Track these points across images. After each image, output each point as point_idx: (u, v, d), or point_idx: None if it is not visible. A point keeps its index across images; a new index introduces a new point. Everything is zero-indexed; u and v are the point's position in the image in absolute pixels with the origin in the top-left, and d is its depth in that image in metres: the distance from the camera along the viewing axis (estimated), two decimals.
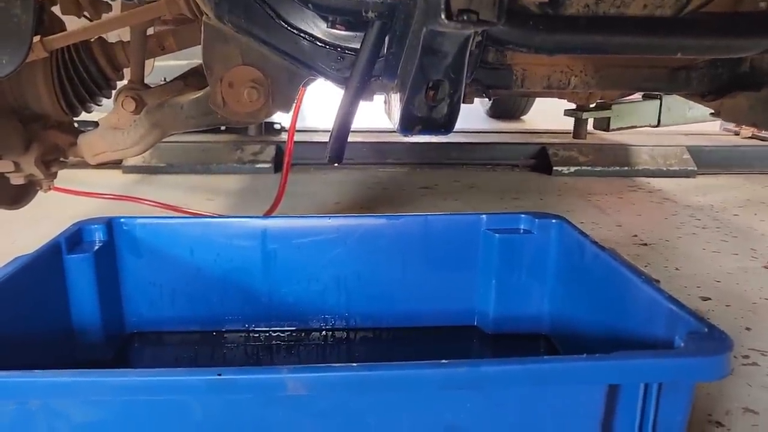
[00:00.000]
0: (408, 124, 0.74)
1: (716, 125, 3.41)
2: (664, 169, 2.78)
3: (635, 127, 2.63)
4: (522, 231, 1.09)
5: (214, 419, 0.61)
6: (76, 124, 1.35)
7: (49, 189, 1.29)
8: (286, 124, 2.99)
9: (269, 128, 3.01)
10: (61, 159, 1.26)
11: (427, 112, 0.71)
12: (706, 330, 0.66)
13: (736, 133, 3.43)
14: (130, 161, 2.58)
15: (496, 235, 1.08)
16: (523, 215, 1.09)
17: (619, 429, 0.65)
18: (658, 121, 2.59)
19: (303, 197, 2.23)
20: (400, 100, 0.73)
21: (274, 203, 1.74)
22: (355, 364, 0.60)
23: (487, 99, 3.04)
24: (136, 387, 0.58)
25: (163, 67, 2.29)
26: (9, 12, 0.65)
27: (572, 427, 0.65)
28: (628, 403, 0.64)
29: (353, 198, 2.31)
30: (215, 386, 0.58)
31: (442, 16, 0.54)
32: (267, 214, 1.68)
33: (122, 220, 1.06)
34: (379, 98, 1.13)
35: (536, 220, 1.08)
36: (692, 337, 0.66)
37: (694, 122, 2.68)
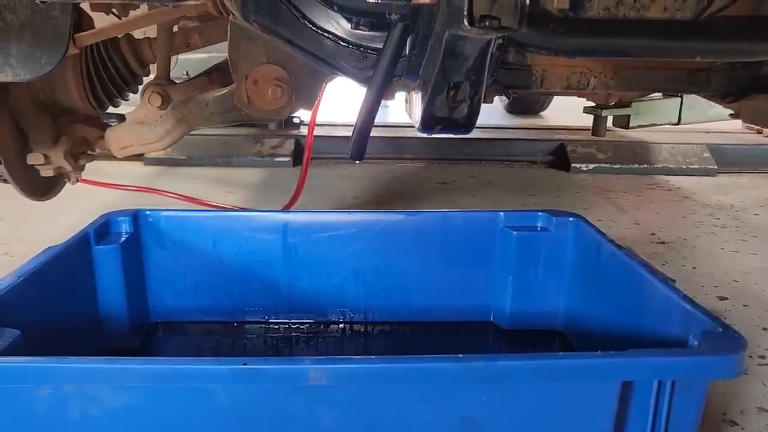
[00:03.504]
0: (429, 123, 0.75)
1: (738, 123, 3.37)
2: (684, 167, 2.77)
3: (655, 125, 2.61)
4: (539, 228, 1.10)
5: (238, 406, 0.64)
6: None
7: (77, 181, 1.33)
8: (305, 118, 3.02)
9: (289, 122, 3.03)
10: (89, 152, 1.30)
11: (448, 113, 0.73)
12: (720, 329, 0.68)
13: (759, 132, 3.39)
14: (152, 153, 2.62)
15: (514, 232, 1.09)
16: (540, 213, 1.11)
17: (632, 426, 0.66)
18: (679, 119, 2.57)
19: (321, 191, 2.25)
20: (422, 100, 0.75)
21: (293, 197, 1.76)
22: (374, 357, 0.62)
23: (506, 98, 3.02)
24: (166, 374, 0.61)
25: (185, 61, 2.33)
26: (49, 14, 0.68)
27: (586, 423, 0.67)
28: (641, 400, 0.65)
29: (371, 193, 2.33)
30: (240, 375, 0.60)
31: (465, 22, 0.55)
32: (286, 208, 1.71)
33: (148, 212, 1.09)
34: (399, 95, 1.15)
35: (553, 218, 1.09)
36: (706, 336, 0.67)
37: (715, 120, 2.65)
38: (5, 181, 1.22)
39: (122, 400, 0.62)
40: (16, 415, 0.62)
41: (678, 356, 0.65)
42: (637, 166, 2.76)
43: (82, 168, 1.30)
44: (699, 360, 0.64)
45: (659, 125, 2.64)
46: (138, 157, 2.65)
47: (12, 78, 0.72)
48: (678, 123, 2.59)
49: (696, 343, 0.67)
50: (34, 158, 1.19)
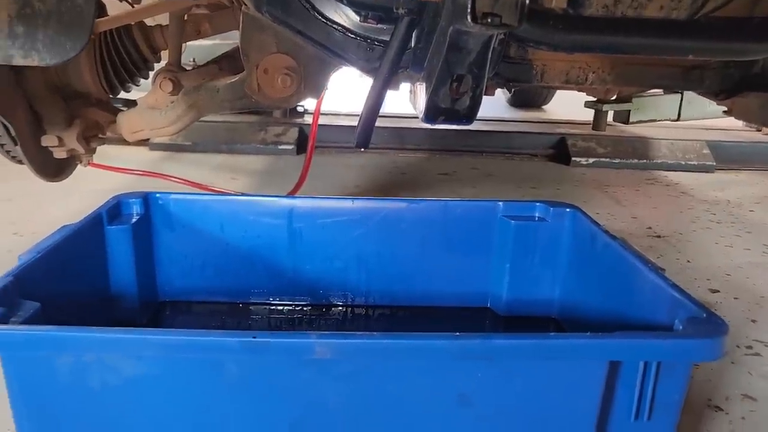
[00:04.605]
0: (432, 114, 0.79)
1: (738, 120, 3.40)
2: (683, 163, 2.79)
3: (655, 120, 2.64)
4: (537, 218, 1.13)
5: (247, 377, 0.67)
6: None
7: (89, 163, 1.36)
8: (310, 106, 3.04)
9: (293, 110, 3.05)
10: (100, 135, 1.33)
11: (451, 104, 0.76)
12: (704, 315, 0.71)
13: (758, 129, 3.41)
14: (157, 139, 2.64)
15: (512, 221, 1.12)
16: (538, 203, 1.14)
17: (618, 404, 0.70)
18: (679, 115, 2.60)
19: (324, 179, 2.28)
20: (426, 92, 0.78)
21: (297, 184, 1.79)
22: (376, 333, 0.66)
23: (506, 90, 3.05)
24: (180, 345, 0.64)
25: (192, 47, 2.36)
26: (74, 2, 0.71)
27: (574, 401, 0.70)
28: (627, 380, 0.69)
29: (373, 182, 2.36)
30: (250, 347, 0.64)
31: (468, 19, 0.58)
32: (291, 194, 1.73)
33: (158, 195, 1.12)
34: (404, 86, 1.18)
35: (551, 208, 1.12)
36: (691, 321, 0.71)
37: (715, 117, 2.68)
38: (20, 161, 1.25)
39: (139, 369, 0.66)
40: (40, 382, 0.66)
41: (663, 338, 0.69)
42: (636, 161, 2.78)
43: (94, 150, 1.33)
44: (683, 342, 0.68)
45: (659, 121, 2.67)
46: (143, 142, 2.68)
47: (38, 62, 0.75)
48: (678, 119, 2.62)
49: (681, 327, 0.71)
50: (48, 140, 1.22)
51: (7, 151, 1.23)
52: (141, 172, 2.19)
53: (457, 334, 0.65)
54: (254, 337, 0.63)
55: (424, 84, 0.80)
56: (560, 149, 2.87)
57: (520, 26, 0.59)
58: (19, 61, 0.75)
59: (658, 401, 0.70)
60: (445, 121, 0.80)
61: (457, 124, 0.80)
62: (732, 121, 3.23)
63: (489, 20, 0.58)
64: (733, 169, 2.83)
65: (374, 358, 0.67)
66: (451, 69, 0.72)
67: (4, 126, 1.15)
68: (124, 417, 0.68)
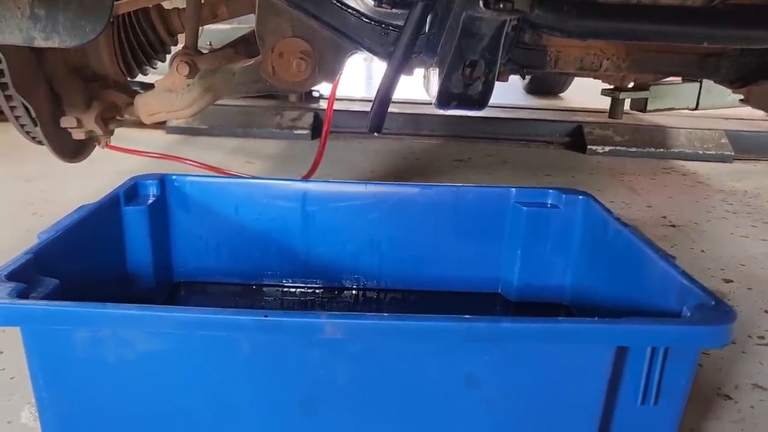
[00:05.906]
0: (445, 99, 0.79)
1: (758, 110, 3.34)
2: (701, 152, 2.76)
3: (673, 109, 2.61)
4: (549, 205, 1.13)
5: (259, 356, 0.69)
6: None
7: (107, 145, 1.38)
8: (325, 92, 3.05)
9: (308, 95, 3.06)
10: (118, 117, 1.35)
11: (463, 89, 0.77)
12: (713, 303, 0.71)
13: None
14: (174, 122, 2.67)
15: (524, 208, 1.13)
16: (551, 190, 1.14)
17: (625, 389, 0.71)
18: (697, 103, 2.57)
19: (338, 164, 2.29)
20: (439, 77, 0.78)
21: (311, 168, 1.80)
22: (386, 314, 0.67)
23: (520, 78, 3.03)
24: (194, 322, 0.66)
25: (209, 31, 2.37)
26: None
27: (581, 385, 0.71)
28: (635, 366, 0.69)
29: (387, 167, 2.36)
30: (262, 326, 0.65)
31: (480, 4, 0.59)
32: (305, 178, 1.75)
33: (174, 177, 1.14)
34: (418, 71, 1.18)
35: (563, 195, 1.12)
36: (699, 308, 0.71)
37: (734, 106, 2.64)
38: (39, 142, 1.27)
39: (153, 345, 0.68)
40: (58, 355, 0.68)
41: (671, 325, 0.69)
42: (653, 150, 2.76)
43: (112, 132, 1.35)
44: (690, 329, 0.68)
45: (677, 109, 2.64)
46: (160, 125, 2.70)
47: (59, 44, 0.77)
48: (696, 108, 2.58)
49: (689, 314, 0.71)
50: (67, 121, 1.25)
51: (27, 132, 1.25)
52: (158, 155, 2.22)
53: (466, 316, 0.66)
54: (266, 316, 0.65)
55: (437, 69, 0.80)
56: (576, 137, 2.86)
57: (532, 12, 0.59)
58: (40, 43, 0.77)
59: (664, 386, 0.70)
60: (457, 107, 0.80)
61: (470, 110, 0.80)
62: (752, 111, 3.18)
63: (501, 6, 0.58)
64: (752, 160, 2.80)
65: (383, 339, 0.68)
66: (464, 54, 0.72)
67: (25, 107, 1.17)
68: (138, 391, 0.70)
